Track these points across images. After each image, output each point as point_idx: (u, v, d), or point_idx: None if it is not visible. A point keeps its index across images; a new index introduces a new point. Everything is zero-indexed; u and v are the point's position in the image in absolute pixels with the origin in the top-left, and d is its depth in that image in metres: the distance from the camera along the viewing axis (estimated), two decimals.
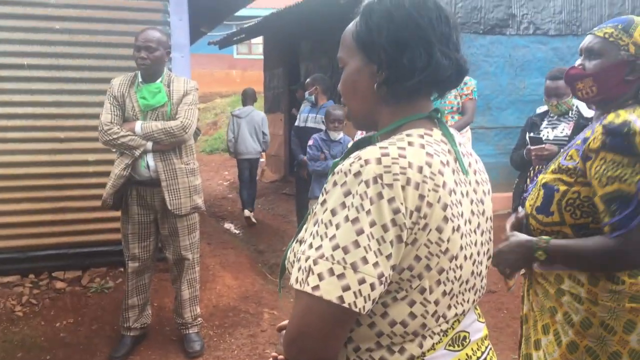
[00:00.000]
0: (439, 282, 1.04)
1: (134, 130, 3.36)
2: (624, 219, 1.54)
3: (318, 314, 0.97)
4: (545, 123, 3.88)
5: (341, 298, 0.95)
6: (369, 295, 0.96)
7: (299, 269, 0.99)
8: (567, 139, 3.49)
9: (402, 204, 0.97)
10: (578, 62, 1.79)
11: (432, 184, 1.00)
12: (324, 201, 1.01)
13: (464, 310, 1.12)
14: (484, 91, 6.56)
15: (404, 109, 1.13)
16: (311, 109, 5.86)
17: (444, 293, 1.05)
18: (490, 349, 1.22)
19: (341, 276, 0.95)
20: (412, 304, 1.03)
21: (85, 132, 4.20)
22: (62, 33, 4.17)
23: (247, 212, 7.68)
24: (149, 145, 3.37)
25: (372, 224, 0.96)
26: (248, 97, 7.86)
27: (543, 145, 3.44)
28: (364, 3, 1.15)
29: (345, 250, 0.95)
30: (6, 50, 4.06)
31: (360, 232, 0.95)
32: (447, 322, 1.08)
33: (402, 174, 0.98)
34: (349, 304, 0.95)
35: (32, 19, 4.10)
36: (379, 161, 0.98)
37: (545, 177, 1.76)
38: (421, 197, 0.99)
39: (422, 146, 1.05)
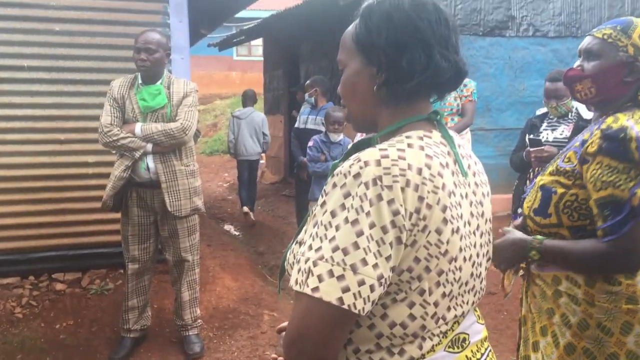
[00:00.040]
0: (438, 284, 1.04)
1: (134, 132, 3.36)
2: (616, 224, 1.55)
3: (318, 316, 0.97)
4: (544, 125, 3.88)
5: (341, 299, 0.95)
6: (368, 296, 0.96)
7: (299, 270, 0.99)
8: (566, 140, 3.50)
9: (401, 205, 0.97)
10: (577, 63, 1.79)
11: (432, 186, 1.00)
12: (324, 203, 1.02)
13: (463, 312, 1.12)
14: (483, 93, 6.57)
15: (404, 111, 1.14)
16: (311, 110, 5.86)
17: (444, 295, 1.05)
18: (490, 350, 1.22)
19: (341, 278, 0.95)
20: (411, 305, 1.03)
21: (85, 133, 4.20)
22: (62, 35, 4.17)
23: (245, 209, 7.71)
24: (149, 147, 3.37)
25: (372, 226, 0.96)
26: (248, 98, 7.87)
27: (542, 147, 3.44)
28: (364, 5, 1.15)
29: (345, 252, 0.95)
30: (6, 52, 4.06)
31: (359, 233, 0.96)
32: (446, 323, 1.08)
33: (402, 175, 0.98)
34: (349, 306, 0.95)
35: (31, 20, 4.10)
36: (378, 163, 0.99)
37: (543, 178, 1.76)
38: (420, 198, 0.99)
39: (422, 148, 1.05)
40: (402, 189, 0.98)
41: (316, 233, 1.00)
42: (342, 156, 1.19)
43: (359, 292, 0.95)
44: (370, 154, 1.01)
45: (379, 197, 0.96)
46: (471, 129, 5.43)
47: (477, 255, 1.13)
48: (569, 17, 7.16)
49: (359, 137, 4.54)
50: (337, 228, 0.97)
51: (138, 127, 3.36)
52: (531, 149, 3.52)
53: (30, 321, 3.89)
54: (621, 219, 1.54)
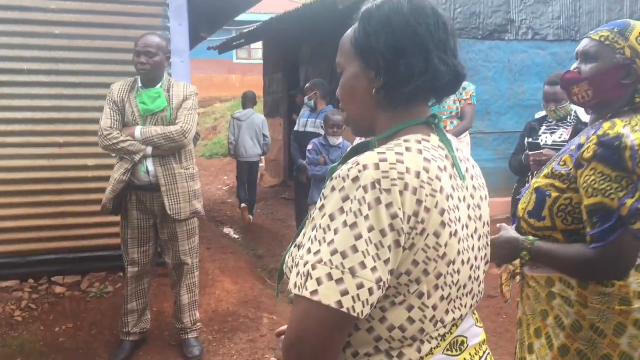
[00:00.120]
0: (437, 287, 1.04)
1: (134, 135, 3.36)
2: (604, 232, 1.55)
3: (317, 319, 0.97)
4: (543, 128, 3.89)
5: (340, 303, 0.95)
6: (367, 300, 0.96)
7: (298, 274, 1.00)
8: (565, 144, 3.50)
9: (400, 209, 0.97)
10: (574, 65, 1.78)
11: (430, 189, 1.01)
12: (323, 206, 1.02)
13: (461, 315, 1.12)
14: (483, 96, 6.58)
15: (402, 115, 1.14)
16: (310, 113, 5.87)
17: (442, 298, 1.05)
18: (489, 353, 1.22)
19: (340, 281, 0.95)
20: (410, 308, 1.03)
21: (84, 137, 4.21)
22: (62, 38, 4.18)
23: (243, 205, 7.73)
24: (149, 150, 3.38)
25: (371, 229, 0.96)
26: (248, 100, 7.90)
27: (541, 151, 3.45)
28: (363, 9, 1.16)
29: (344, 255, 0.96)
30: (6, 55, 4.07)
31: (358, 237, 0.96)
32: (445, 326, 1.09)
33: (400, 179, 0.99)
34: (348, 309, 0.95)
35: (31, 24, 4.11)
36: (377, 167, 0.99)
37: (538, 181, 1.77)
38: (419, 202, 0.99)
39: (420, 152, 1.05)
40: (401, 193, 0.98)
41: (315, 236, 1.00)
42: (341, 159, 1.19)
43: (358, 295, 0.95)
44: (368, 157, 1.01)
45: (378, 201, 0.97)
46: (470, 132, 5.44)
47: (475, 259, 1.13)
48: (568, 21, 7.18)
49: (358, 140, 4.54)
50: (336, 231, 0.97)
51: (138, 131, 3.37)
52: (530, 153, 3.52)
53: (29, 324, 3.89)
54: (609, 227, 1.54)
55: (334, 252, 0.96)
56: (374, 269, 0.96)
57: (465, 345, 1.14)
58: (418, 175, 1.00)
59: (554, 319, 1.73)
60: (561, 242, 1.70)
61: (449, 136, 1.18)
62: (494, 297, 4.31)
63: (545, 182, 1.73)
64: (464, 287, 1.10)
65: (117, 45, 4.27)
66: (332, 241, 0.97)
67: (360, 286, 0.95)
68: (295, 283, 1.00)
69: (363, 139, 1.23)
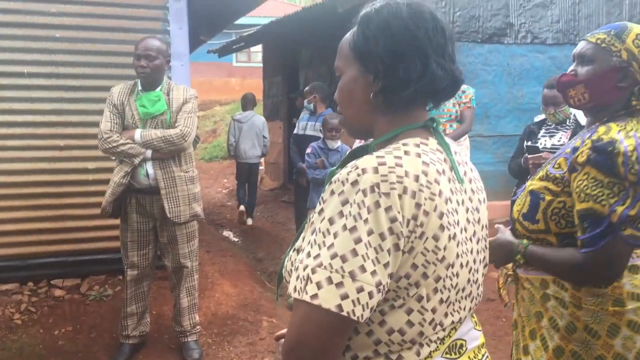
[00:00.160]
0: (435, 290, 1.04)
1: (134, 138, 3.37)
2: (593, 237, 1.55)
3: (316, 323, 0.97)
4: (542, 131, 3.90)
5: (340, 306, 0.95)
6: (367, 303, 0.96)
7: (297, 277, 1.00)
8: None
9: (399, 212, 0.98)
10: (571, 68, 1.78)
11: (429, 193, 1.01)
12: (322, 210, 1.02)
13: (460, 318, 1.12)
14: (482, 99, 6.59)
15: (400, 119, 1.14)
16: (310, 116, 5.87)
17: (441, 301, 1.06)
18: (487, 357, 1.22)
19: (339, 285, 0.95)
20: (409, 312, 1.03)
21: (84, 140, 4.21)
22: (62, 41, 4.19)
23: (242, 207, 7.76)
24: (149, 153, 3.38)
25: (370, 233, 0.96)
26: (248, 102, 7.92)
27: (540, 154, 3.45)
28: (362, 13, 1.16)
29: (344, 259, 0.96)
30: (6, 59, 4.07)
31: (358, 240, 0.96)
32: (444, 330, 1.09)
33: (399, 182, 0.99)
34: (348, 313, 0.95)
35: (32, 27, 4.11)
36: (376, 170, 0.99)
37: (533, 183, 1.77)
38: (418, 205, 0.99)
39: (418, 155, 1.06)
40: (400, 196, 0.98)
41: (314, 240, 1.01)
42: (340, 163, 1.20)
43: (358, 299, 0.96)
44: (367, 161, 1.01)
45: (377, 204, 0.97)
46: (470, 135, 5.45)
47: (474, 262, 1.13)
48: (567, 25, 7.19)
49: (357, 143, 4.54)
50: (335, 235, 0.98)
51: (137, 134, 3.37)
52: (529, 156, 3.53)
53: (29, 327, 3.88)
54: (599, 232, 1.54)
55: (333, 256, 0.97)
56: (373, 273, 0.96)
57: (464, 349, 1.14)
58: (417, 178, 1.01)
59: (548, 320, 1.73)
60: (555, 245, 1.70)
61: (447, 139, 1.18)
62: (493, 300, 4.31)
63: (540, 185, 1.73)
64: (463, 290, 1.11)
65: (117, 49, 4.27)
66: (331, 245, 0.97)
67: (360, 290, 0.96)
68: (295, 287, 1.00)
69: (362, 142, 1.23)
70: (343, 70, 1.19)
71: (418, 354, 1.06)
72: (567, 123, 3.81)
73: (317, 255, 0.98)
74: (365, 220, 0.97)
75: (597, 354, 1.65)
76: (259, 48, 13.66)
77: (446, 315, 1.08)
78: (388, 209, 0.97)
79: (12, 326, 3.87)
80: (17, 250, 4.19)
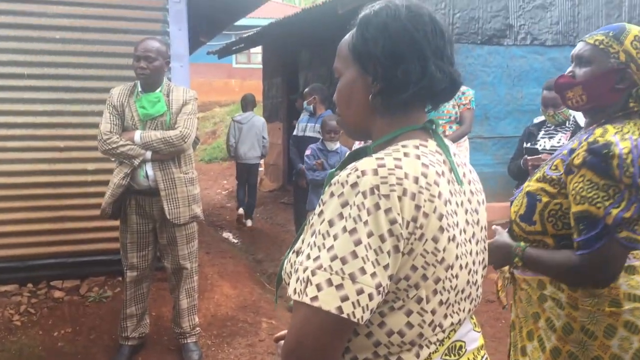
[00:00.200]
0: (435, 292, 1.04)
1: (133, 140, 3.37)
2: (589, 239, 1.55)
3: (316, 325, 0.97)
4: (542, 133, 3.90)
5: (340, 308, 0.95)
6: (367, 305, 0.97)
7: (297, 279, 1.00)
8: None
9: (398, 214, 0.98)
10: (569, 69, 1.77)
11: (428, 195, 1.01)
12: (321, 212, 1.02)
13: (460, 320, 1.12)
14: (481, 101, 6.59)
15: (399, 120, 1.15)
16: (309, 118, 5.88)
17: (441, 302, 1.06)
18: (487, 358, 1.22)
19: (339, 287, 0.95)
20: (409, 313, 1.04)
21: (84, 141, 4.21)
22: (62, 43, 4.19)
23: (241, 210, 7.80)
24: (148, 154, 3.38)
25: (370, 235, 0.97)
26: (248, 103, 7.94)
27: (540, 156, 3.46)
28: (361, 15, 1.16)
29: (344, 261, 0.96)
30: (6, 60, 4.08)
31: (358, 242, 0.96)
32: (443, 331, 1.09)
33: (399, 184, 0.99)
34: (348, 315, 0.95)
35: (31, 29, 4.12)
36: (375, 172, 0.99)
37: (530, 184, 1.77)
38: (417, 207, 1.00)
39: (418, 157, 1.06)
40: (399, 198, 0.98)
41: (314, 242, 1.01)
42: (339, 165, 1.20)
43: (358, 300, 0.96)
44: (367, 163, 1.01)
45: (377, 206, 0.97)
46: (469, 137, 5.45)
47: (473, 263, 1.14)
48: (566, 26, 7.20)
49: (357, 144, 4.54)
50: (335, 237, 0.98)
51: (137, 135, 3.37)
52: (528, 157, 3.54)
53: (28, 329, 3.88)
54: (594, 235, 1.54)
55: (333, 258, 0.97)
56: (373, 275, 0.96)
57: (464, 350, 1.14)
58: (416, 180, 1.01)
59: (546, 321, 1.74)
60: (552, 247, 1.70)
61: (446, 141, 1.18)
62: (493, 301, 4.31)
63: (537, 186, 1.73)
64: (462, 291, 1.11)
65: (117, 50, 4.28)
66: (331, 247, 0.97)
67: (360, 292, 0.96)
68: (295, 289, 1.00)
69: (362, 144, 1.23)
70: (342, 72, 1.19)
71: (417, 355, 1.06)
72: (567, 124, 3.81)
73: (317, 257, 0.98)
74: (365, 222, 0.97)
75: (593, 354, 1.66)
76: (258, 49, 13.66)
77: (445, 316, 1.08)
78: (388, 211, 0.97)
79: (12, 327, 3.87)
80: (16, 252, 4.18)
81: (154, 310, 4.12)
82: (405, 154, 1.05)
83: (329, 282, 0.96)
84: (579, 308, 1.66)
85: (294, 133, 6.12)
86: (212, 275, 4.90)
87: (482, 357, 1.20)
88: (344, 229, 0.97)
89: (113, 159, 3.50)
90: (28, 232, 4.19)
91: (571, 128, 3.77)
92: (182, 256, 3.58)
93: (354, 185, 0.99)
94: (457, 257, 1.06)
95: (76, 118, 4.25)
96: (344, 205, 0.99)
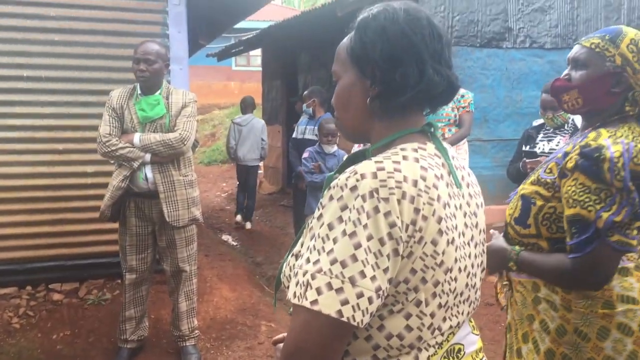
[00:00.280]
0: (434, 295, 1.05)
1: (133, 142, 3.36)
2: (581, 243, 1.55)
3: (316, 328, 0.97)
4: (541, 136, 3.91)
5: (340, 312, 0.95)
6: (367, 308, 0.97)
7: (297, 283, 1.00)
8: None
9: (398, 217, 0.98)
10: (565, 72, 1.77)
11: (427, 198, 1.01)
12: (321, 215, 1.02)
13: (458, 323, 1.13)
14: (481, 104, 6.60)
15: (397, 124, 1.15)
16: (309, 121, 5.88)
17: (440, 305, 1.06)
18: None
19: (339, 290, 0.95)
20: (408, 316, 1.04)
21: (83, 143, 4.21)
22: (61, 45, 4.19)
23: (238, 217, 7.87)
24: (147, 157, 3.38)
25: (369, 238, 0.97)
26: (248, 105, 7.96)
27: (538, 159, 3.46)
28: (359, 18, 1.16)
29: (343, 265, 0.96)
30: (5, 62, 4.08)
31: (357, 246, 0.96)
32: (442, 334, 1.09)
33: (398, 188, 0.99)
34: (348, 318, 0.95)
35: (31, 30, 4.12)
36: (374, 175, 1.00)
37: (525, 187, 1.77)
38: (416, 210, 1.00)
39: (417, 160, 1.06)
40: (399, 201, 0.98)
41: (314, 246, 1.01)
42: (338, 168, 1.20)
43: (358, 304, 0.96)
44: (366, 166, 1.02)
45: (376, 210, 0.97)
46: (468, 139, 5.46)
47: (472, 266, 1.14)
48: (565, 29, 7.21)
49: (356, 147, 4.54)
50: (334, 241, 0.98)
51: (136, 137, 3.37)
52: (527, 160, 3.54)
53: (27, 331, 3.88)
54: (585, 238, 1.54)
55: (333, 262, 0.97)
56: (373, 278, 0.96)
57: (462, 353, 1.14)
58: (415, 183, 1.01)
59: (540, 323, 1.74)
60: (546, 250, 1.71)
61: (445, 144, 1.19)
62: (492, 304, 4.30)
63: (531, 189, 1.73)
64: (461, 294, 1.11)
65: (116, 53, 4.28)
66: (331, 250, 0.97)
67: (360, 295, 0.96)
68: (295, 293, 1.00)
69: (361, 147, 1.23)
70: (340, 75, 1.19)
71: (416, 358, 1.07)
72: (566, 127, 3.82)
73: (317, 261, 0.98)
74: (365, 226, 0.97)
75: (587, 356, 1.65)
76: (258, 52, 13.68)
77: (444, 319, 1.08)
78: (387, 214, 0.97)
79: (11, 330, 3.86)
80: (15, 254, 4.18)
81: (153, 313, 4.12)
82: (404, 157, 1.05)
83: (329, 286, 0.96)
84: (573, 310, 1.66)
85: (294, 136, 6.13)
86: (211, 278, 4.89)
87: (481, 359, 1.20)
88: (344, 233, 0.97)
89: (112, 162, 3.50)
90: (27, 234, 4.19)
91: (570, 131, 3.77)
92: (181, 259, 3.58)
93: (354, 188, 0.99)
94: (456, 260, 1.06)
95: (75, 120, 4.25)
96: (344, 208, 0.99)
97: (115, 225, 3.63)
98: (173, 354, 3.78)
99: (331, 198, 1.01)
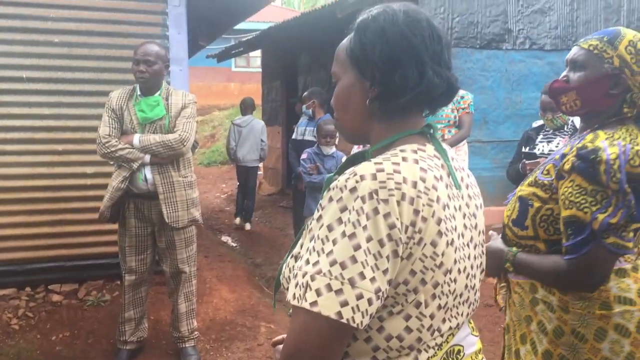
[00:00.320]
0: (434, 296, 1.04)
1: (132, 143, 3.36)
2: (576, 244, 1.55)
3: (316, 330, 0.97)
4: (540, 137, 3.91)
5: (339, 314, 0.95)
6: (366, 310, 0.97)
7: (296, 284, 1.00)
8: None
9: (397, 219, 0.98)
10: (563, 73, 1.77)
11: (427, 199, 1.01)
12: (320, 217, 1.02)
13: (458, 324, 1.13)
14: (480, 105, 6.60)
15: (397, 125, 1.15)
16: (309, 122, 5.89)
17: (439, 307, 1.06)
18: None
19: (339, 292, 0.95)
20: (407, 318, 1.04)
21: (83, 144, 4.21)
22: (61, 46, 4.19)
23: (237, 220, 7.94)
24: (147, 158, 3.38)
25: (369, 239, 0.97)
26: (248, 107, 7.99)
27: (538, 160, 3.46)
28: (358, 19, 1.16)
29: (343, 266, 0.96)
30: (5, 63, 4.08)
31: (357, 247, 0.96)
32: (441, 335, 1.09)
33: (397, 189, 0.99)
34: (347, 320, 0.95)
35: (31, 32, 4.12)
36: (374, 177, 0.99)
37: (522, 189, 1.77)
38: (416, 212, 1.00)
39: (416, 161, 1.06)
40: (398, 203, 0.98)
41: (313, 247, 1.01)
42: (337, 169, 1.20)
43: (357, 306, 0.96)
44: (365, 167, 1.01)
45: (376, 211, 0.97)
46: (468, 141, 5.46)
47: (471, 267, 1.14)
48: (565, 31, 7.21)
49: (355, 149, 4.54)
50: (334, 242, 0.98)
51: (136, 138, 3.37)
52: (527, 162, 3.54)
53: (26, 333, 3.87)
54: (581, 240, 1.54)
55: (333, 263, 0.97)
56: (372, 279, 0.96)
57: (462, 354, 1.14)
58: (415, 185, 1.01)
59: (537, 324, 1.74)
60: (543, 252, 1.70)
61: (444, 145, 1.19)
62: (491, 306, 4.30)
63: (528, 191, 1.73)
64: (460, 295, 1.11)
65: (116, 54, 4.28)
66: (330, 252, 0.97)
67: (359, 297, 0.96)
68: (294, 294, 1.00)
69: (361, 148, 1.23)
70: (340, 76, 1.19)
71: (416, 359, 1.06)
72: (565, 129, 3.82)
73: (316, 262, 0.98)
74: (364, 227, 0.97)
75: (584, 357, 1.65)
76: (258, 53, 13.70)
77: (444, 321, 1.08)
78: (387, 216, 0.97)
79: (10, 331, 3.86)
80: (14, 255, 4.18)
81: (152, 314, 4.12)
82: (404, 159, 1.05)
83: (329, 287, 0.96)
84: (570, 311, 1.66)
85: (293, 137, 6.13)
86: (211, 279, 4.89)
87: None
88: (343, 234, 0.97)
89: (112, 163, 3.50)
90: (26, 235, 4.18)
91: (569, 132, 3.78)
92: (181, 260, 3.57)
93: (353, 190, 0.99)
94: (455, 262, 1.06)
95: (75, 121, 4.25)
96: (343, 210, 0.99)
97: (115, 226, 3.63)
98: (172, 355, 3.78)
99: (331, 199, 1.01)
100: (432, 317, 1.05)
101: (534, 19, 7.09)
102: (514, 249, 1.76)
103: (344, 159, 1.25)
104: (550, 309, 1.69)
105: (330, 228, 0.99)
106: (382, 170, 1.01)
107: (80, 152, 4.24)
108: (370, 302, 0.96)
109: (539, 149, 3.82)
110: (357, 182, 0.99)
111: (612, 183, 1.50)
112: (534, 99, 6.81)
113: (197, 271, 3.89)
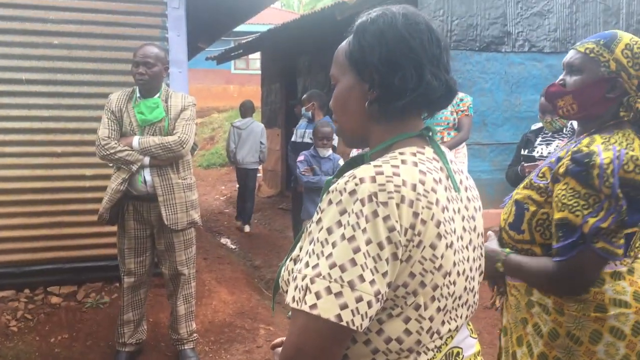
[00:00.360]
0: (433, 299, 1.05)
1: (132, 145, 3.36)
2: (566, 247, 1.55)
3: (315, 333, 0.97)
4: (539, 139, 3.91)
5: (339, 316, 0.95)
6: (366, 312, 0.97)
7: (296, 287, 1.00)
8: None
9: (397, 221, 0.98)
10: (560, 77, 1.76)
11: (426, 202, 1.01)
12: (320, 220, 1.02)
13: (457, 326, 1.13)
14: (479, 107, 6.61)
15: (396, 128, 1.15)
16: (308, 124, 5.89)
17: (438, 309, 1.06)
18: None
19: (339, 294, 0.95)
20: (407, 320, 1.04)
21: (82, 146, 4.21)
22: (61, 48, 4.19)
23: (238, 224, 7.95)
24: (146, 160, 3.38)
25: (368, 242, 0.97)
26: (247, 109, 8.01)
27: (537, 162, 3.46)
28: (357, 22, 1.17)
29: (342, 269, 0.96)
30: (4, 65, 4.08)
31: (356, 250, 0.96)
32: (441, 338, 1.09)
33: (397, 192, 0.99)
34: (347, 322, 0.95)
35: (30, 34, 4.12)
36: (373, 179, 1.00)
37: (518, 192, 1.77)
38: (415, 214, 1.00)
39: (415, 164, 1.06)
40: (397, 205, 0.99)
41: (312, 250, 1.01)
42: (336, 172, 1.20)
43: (357, 308, 0.96)
44: (365, 170, 1.02)
45: (375, 214, 0.97)
46: (467, 143, 5.46)
47: (470, 270, 1.14)
48: (564, 33, 7.23)
49: (354, 152, 4.53)
50: (333, 245, 0.98)
51: (135, 141, 3.37)
52: (525, 164, 3.54)
53: (25, 335, 3.87)
54: (570, 242, 1.54)
55: (332, 266, 0.97)
56: (372, 282, 0.96)
57: (461, 356, 1.15)
58: (414, 187, 1.01)
59: (533, 326, 1.73)
60: (539, 256, 1.70)
61: (443, 148, 1.19)
62: (490, 308, 4.29)
63: (524, 194, 1.72)
64: (460, 298, 1.11)
65: (116, 56, 4.28)
66: (330, 254, 0.97)
67: (359, 299, 0.96)
68: (294, 297, 1.00)
69: (360, 151, 1.23)
70: (338, 79, 1.19)
71: None
72: (564, 131, 3.83)
73: (316, 265, 0.98)
74: (364, 230, 0.97)
75: None
76: (257, 55, 13.72)
77: (443, 323, 1.08)
78: (386, 218, 0.97)
79: (8, 333, 3.85)
80: (13, 257, 4.17)
81: (151, 316, 4.11)
82: (403, 161, 1.05)
83: (328, 290, 0.96)
84: (565, 313, 1.65)
85: (293, 139, 6.13)
86: (210, 281, 4.89)
87: None
88: (343, 237, 0.97)
89: (111, 165, 3.49)
90: (25, 237, 4.18)
91: (568, 135, 3.78)
92: (180, 262, 3.57)
93: (352, 192, 0.99)
94: (454, 264, 1.07)
95: (74, 123, 4.25)
96: (342, 213, 0.99)
97: (114, 228, 3.63)
98: (171, 357, 3.78)
99: (330, 202, 1.01)
100: (431, 319, 1.05)
101: (533, 22, 7.10)
102: (507, 250, 1.76)
103: (340, 161, 1.25)
104: (545, 311, 1.69)
105: (329, 231, 0.99)
106: (381, 173, 1.01)
107: (80, 154, 4.23)
108: (369, 304, 0.96)
109: (538, 152, 3.83)
110: (356, 184, 0.99)
111: (604, 187, 1.50)
112: (533, 102, 6.82)
113: (196, 273, 3.89)
